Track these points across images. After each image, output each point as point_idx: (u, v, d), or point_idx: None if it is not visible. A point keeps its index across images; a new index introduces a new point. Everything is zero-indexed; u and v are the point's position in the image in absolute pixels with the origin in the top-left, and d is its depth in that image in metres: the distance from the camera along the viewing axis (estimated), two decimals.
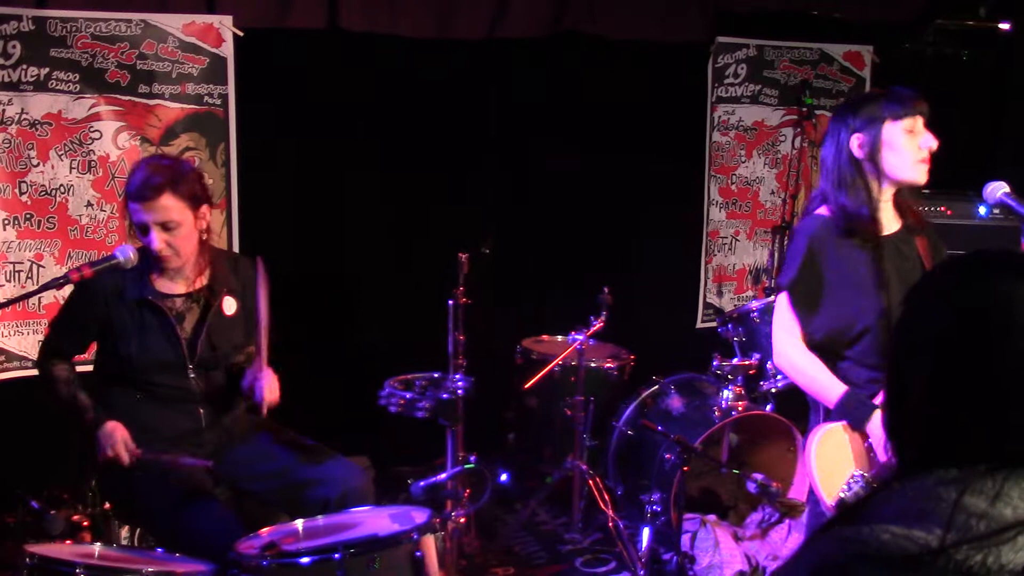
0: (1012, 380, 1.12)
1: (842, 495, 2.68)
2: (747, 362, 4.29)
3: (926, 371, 1.19)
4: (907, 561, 1.07)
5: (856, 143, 2.77)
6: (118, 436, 2.96)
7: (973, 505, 1.08)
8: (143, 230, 3.02)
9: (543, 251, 5.20)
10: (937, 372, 1.18)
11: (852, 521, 1.14)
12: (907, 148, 2.74)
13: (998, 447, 1.12)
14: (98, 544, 2.75)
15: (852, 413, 2.72)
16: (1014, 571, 1.06)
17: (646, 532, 3.91)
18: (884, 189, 2.82)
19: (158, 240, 3.00)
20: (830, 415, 2.80)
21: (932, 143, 2.75)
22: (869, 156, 2.77)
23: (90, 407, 3.06)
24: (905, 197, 2.87)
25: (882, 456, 2.69)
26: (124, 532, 3.53)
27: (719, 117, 5.49)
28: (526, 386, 4.31)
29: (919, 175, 2.78)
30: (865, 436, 2.71)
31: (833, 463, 2.72)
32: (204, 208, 3.13)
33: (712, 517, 4.33)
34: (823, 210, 2.88)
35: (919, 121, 2.75)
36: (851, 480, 2.70)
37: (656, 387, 4.53)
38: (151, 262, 3.09)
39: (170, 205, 2.99)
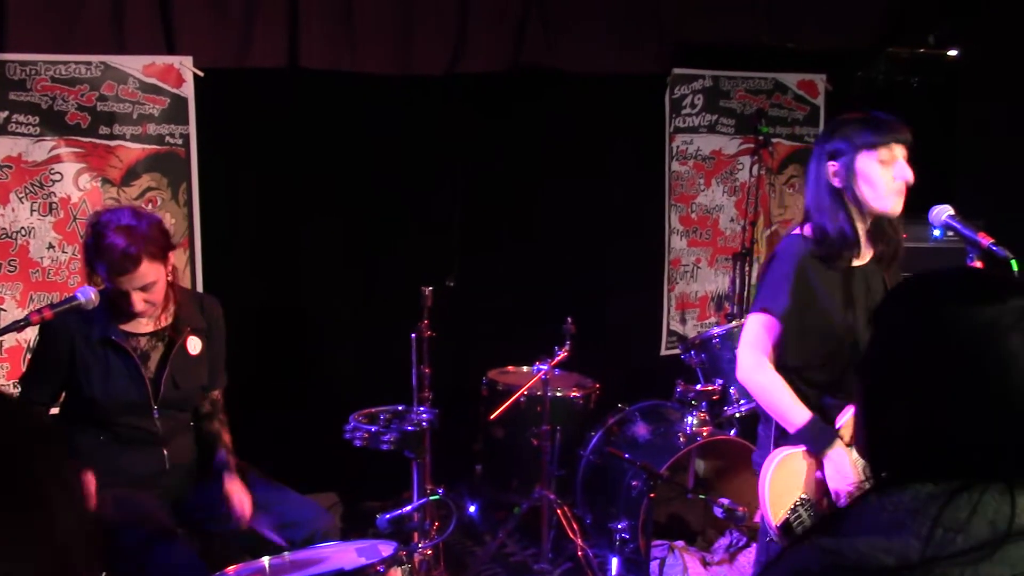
0: (979, 399, 1.15)
1: (787, 517, 2.71)
2: (710, 388, 4.34)
3: (899, 394, 1.22)
4: (883, 573, 1.09)
5: (831, 171, 2.78)
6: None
7: (951, 520, 1.10)
8: (122, 296, 3.01)
9: (507, 283, 5.23)
10: (910, 395, 1.20)
11: (830, 532, 1.16)
12: (881, 179, 2.72)
13: (972, 463, 1.14)
14: None
15: (815, 440, 2.72)
16: None
17: (615, 560, 3.93)
18: (865, 215, 2.82)
19: (138, 303, 3.01)
20: (785, 436, 2.83)
21: (907, 175, 2.72)
22: (845, 186, 2.77)
23: None
24: (883, 226, 2.87)
25: (832, 485, 2.71)
26: None
27: (677, 147, 5.57)
28: (492, 417, 4.32)
29: (893, 206, 2.76)
30: (819, 463, 2.74)
31: (785, 486, 2.74)
32: (171, 256, 3.15)
33: (680, 543, 4.35)
34: (800, 229, 2.88)
35: (895, 150, 2.72)
36: (798, 503, 2.73)
37: (621, 415, 4.56)
38: (115, 304, 3.09)
39: (147, 271, 2.99)
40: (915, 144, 2.80)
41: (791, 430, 2.79)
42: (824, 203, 2.80)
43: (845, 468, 2.66)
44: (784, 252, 2.88)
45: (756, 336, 2.87)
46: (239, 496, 3.10)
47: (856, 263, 2.85)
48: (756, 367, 2.85)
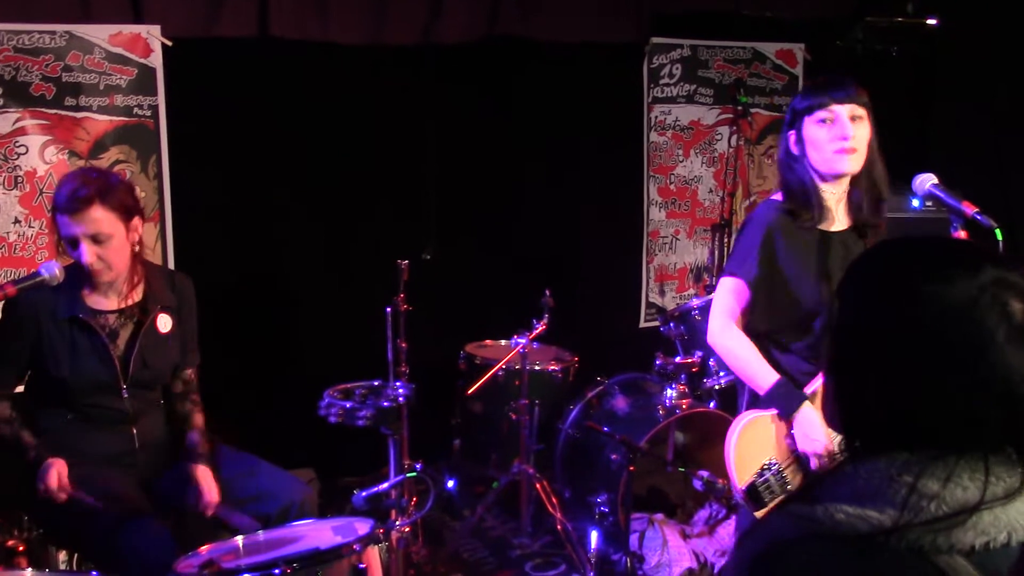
0: (954, 375, 1.14)
1: (753, 480, 2.71)
2: (690, 360, 4.32)
3: (870, 368, 1.20)
4: (859, 540, 1.10)
5: (792, 140, 2.81)
6: (54, 473, 2.86)
7: (926, 487, 1.11)
8: (72, 243, 2.93)
9: (484, 256, 5.18)
10: (882, 369, 1.19)
11: (806, 500, 1.16)
12: (822, 140, 2.73)
13: (946, 431, 1.14)
14: (29, 570, 2.67)
15: (782, 402, 2.73)
16: (963, 551, 1.09)
17: (594, 534, 3.91)
18: (830, 180, 2.80)
19: (88, 253, 2.92)
20: (757, 401, 2.81)
21: (845, 133, 2.69)
22: (801, 152, 2.79)
23: (33, 446, 2.95)
24: (860, 194, 2.84)
25: (799, 448, 2.71)
26: (62, 556, 3.43)
27: (656, 117, 5.51)
28: (470, 392, 4.28)
29: (838, 165, 2.74)
30: (788, 427, 2.73)
31: (752, 449, 2.74)
32: (136, 220, 3.04)
33: (660, 516, 4.35)
34: (777, 195, 2.90)
35: (834, 109, 2.70)
36: (764, 468, 2.72)
37: (601, 388, 4.54)
38: (82, 278, 3.01)
39: (100, 217, 2.91)
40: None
41: (760, 393, 2.80)
42: (787, 166, 2.84)
43: (815, 430, 2.67)
44: (755, 218, 2.91)
45: (725, 301, 2.89)
46: (207, 483, 3.05)
47: (831, 228, 2.84)
48: (724, 331, 2.87)
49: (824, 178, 2.80)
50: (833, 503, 1.13)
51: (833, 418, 1.28)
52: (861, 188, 2.83)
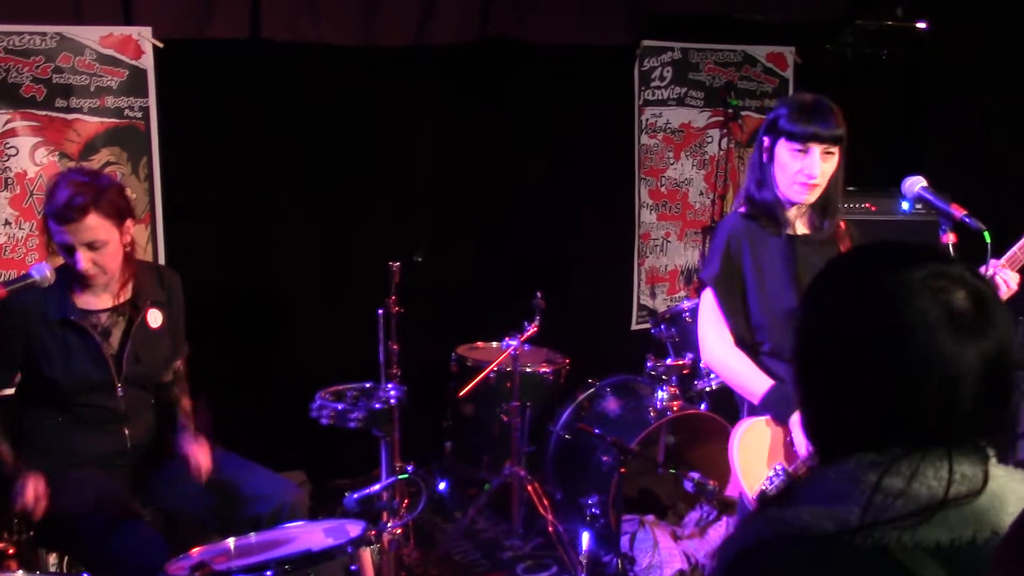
0: (916, 367, 1.15)
1: (763, 487, 2.71)
2: (681, 362, 4.33)
3: (828, 366, 1.23)
4: (826, 540, 1.11)
5: (764, 145, 2.84)
6: (30, 489, 2.86)
7: (890, 486, 1.13)
8: (68, 251, 2.94)
9: (476, 257, 5.18)
10: (837, 366, 1.21)
11: (782, 503, 1.19)
12: (789, 167, 2.77)
13: (911, 430, 1.16)
14: (20, 573, 2.66)
15: (776, 407, 2.75)
16: (928, 548, 1.10)
17: (586, 535, 3.91)
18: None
19: (84, 260, 2.92)
20: (754, 410, 2.83)
21: (811, 173, 2.74)
22: (768, 162, 2.83)
23: (11, 460, 2.95)
24: (822, 203, 2.87)
25: (803, 450, 2.72)
26: (53, 559, 3.42)
27: (647, 120, 5.52)
28: (462, 394, 4.29)
29: (796, 196, 2.80)
30: (788, 430, 2.75)
31: (756, 456, 2.75)
32: (128, 222, 3.06)
33: (651, 517, 4.36)
34: (744, 207, 2.93)
35: (812, 147, 2.74)
36: (773, 473, 2.73)
37: (592, 390, 4.54)
38: (73, 279, 3.01)
39: (95, 224, 2.91)
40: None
41: (755, 401, 2.81)
42: (757, 172, 2.87)
43: None
44: (719, 228, 2.97)
45: (708, 313, 2.93)
46: (199, 452, 3.05)
47: (796, 233, 2.87)
48: (714, 346, 2.91)
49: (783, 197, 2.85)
50: (805, 504, 1.16)
51: (804, 424, 1.30)
52: (816, 205, 2.87)
